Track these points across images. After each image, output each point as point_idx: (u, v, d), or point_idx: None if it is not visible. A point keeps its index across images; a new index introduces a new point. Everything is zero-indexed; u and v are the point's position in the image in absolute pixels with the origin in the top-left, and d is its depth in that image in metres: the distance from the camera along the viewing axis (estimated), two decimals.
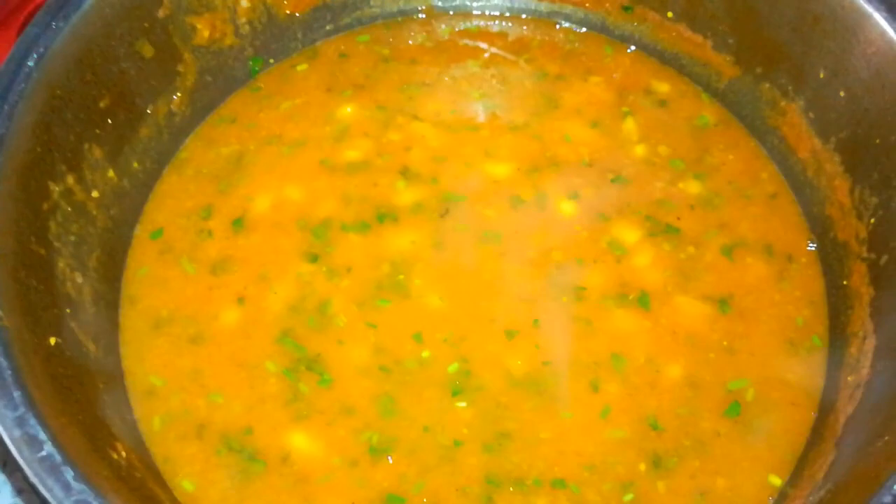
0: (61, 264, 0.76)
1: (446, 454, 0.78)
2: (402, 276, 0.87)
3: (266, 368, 0.82)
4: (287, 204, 0.92)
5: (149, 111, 0.90)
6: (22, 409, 0.59)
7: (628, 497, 0.76)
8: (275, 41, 1.01)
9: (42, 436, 0.58)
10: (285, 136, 0.97)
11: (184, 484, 0.76)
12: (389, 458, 0.77)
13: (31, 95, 0.73)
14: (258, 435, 0.79)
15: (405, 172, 0.94)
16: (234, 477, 0.77)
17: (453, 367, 0.82)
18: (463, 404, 0.80)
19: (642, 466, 0.77)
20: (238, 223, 0.90)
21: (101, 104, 0.83)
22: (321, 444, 0.78)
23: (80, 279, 0.78)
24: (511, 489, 0.76)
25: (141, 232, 0.90)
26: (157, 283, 0.87)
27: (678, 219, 0.90)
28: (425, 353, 0.82)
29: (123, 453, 0.70)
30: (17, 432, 0.58)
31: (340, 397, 0.80)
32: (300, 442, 0.78)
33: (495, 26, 1.07)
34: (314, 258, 0.88)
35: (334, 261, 0.88)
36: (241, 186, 0.93)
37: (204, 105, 0.97)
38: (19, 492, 0.85)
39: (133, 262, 0.88)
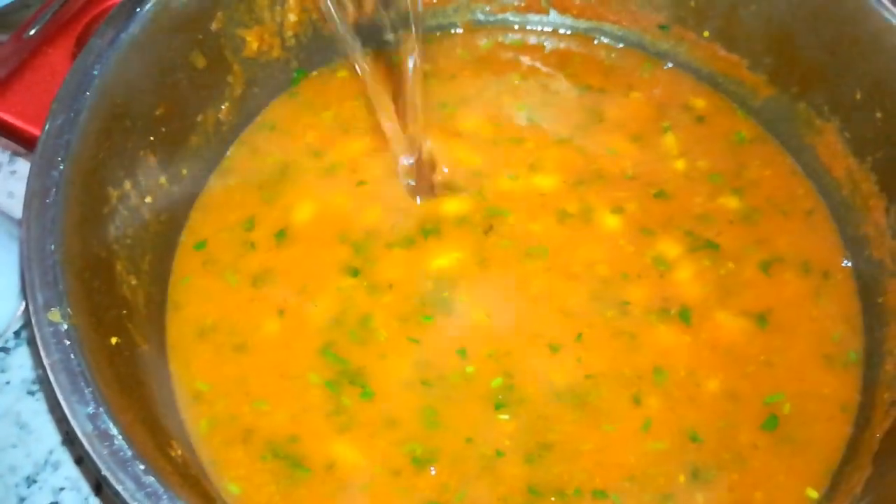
0: (119, 267, 0.78)
1: (488, 465, 0.79)
2: (446, 294, 0.88)
3: (308, 380, 0.83)
4: (329, 215, 0.93)
5: (199, 119, 0.92)
6: (93, 405, 0.61)
7: None
8: (318, 54, 1.03)
9: (113, 431, 0.60)
10: (327, 149, 0.98)
11: (230, 487, 0.78)
12: (432, 469, 0.78)
13: (94, 104, 0.75)
14: (303, 443, 0.80)
15: (449, 186, 0.95)
16: (279, 482, 0.78)
17: (497, 382, 0.83)
18: (506, 417, 0.81)
19: (682, 478, 0.79)
20: (280, 234, 0.91)
21: (157, 112, 0.85)
22: (364, 455, 0.79)
23: (134, 281, 0.80)
24: (552, 499, 0.77)
25: (186, 239, 0.91)
26: (200, 292, 0.88)
27: (718, 234, 0.92)
28: (469, 369, 0.83)
29: (179, 451, 0.72)
30: (89, 427, 0.60)
31: (383, 410, 0.81)
32: (344, 452, 0.80)
33: (535, 40, 1.08)
34: (355, 272, 0.89)
35: (376, 276, 0.89)
36: (284, 195, 0.94)
37: (249, 114, 0.99)
38: (78, 461, 0.88)
39: (178, 268, 0.89)
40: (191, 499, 0.61)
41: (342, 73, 1.04)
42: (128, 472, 0.59)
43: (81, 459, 0.88)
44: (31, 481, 0.88)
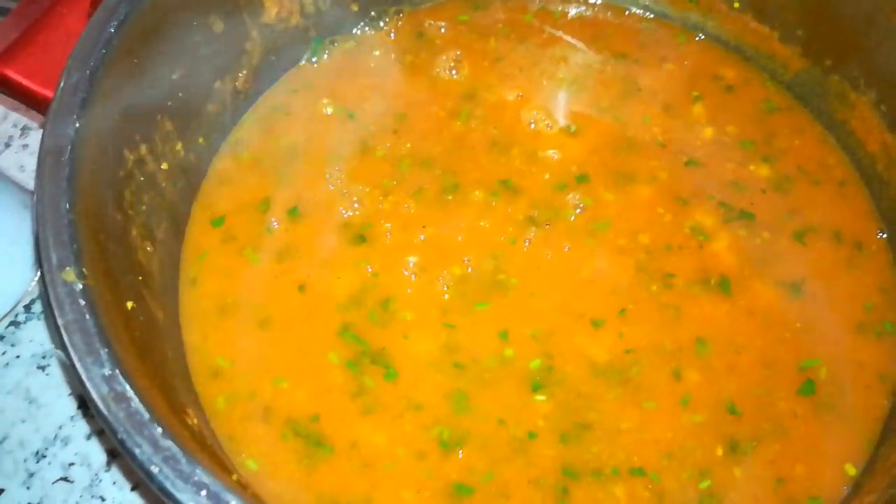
0: (134, 232, 0.75)
1: (520, 446, 0.76)
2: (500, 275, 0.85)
3: (329, 360, 0.80)
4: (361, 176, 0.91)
5: (216, 86, 0.90)
6: (109, 367, 0.58)
7: (705, 484, 0.75)
8: (337, 23, 1.01)
9: (129, 393, 0.57)
10: (345, 120, 0.95)
11: (248, 463, 0.75)
12: (460, 452, 0.76)
13: (110, 62, 0.72)
14: (325, 423, 0.77)
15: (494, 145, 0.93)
16: (300, 460, 0.76)
17: (535, 363, 0.80)
18: (542, 398, 0.79)
19: (720, 451, 0.76)
20: (293, 211, 0.89)
21: (174, 76, 0.82)
22: (389, 438, 0.77)
23: (150, 248, 0.77)
24: (588, 479, 0.75)
25: (200, 212, 0.88)
26: (220, 269, 0.86)
27: (751, 204, 0.90)
28: (508, 352, 0.81)
29: (195, 419, 0.69)
30: (105, 389, 0.57)
31: (407, 392, 0.79)
32: (367, 433, 0.77)
33: (569, 10, 1.05)
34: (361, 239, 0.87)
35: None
36: (300, 162, 0.92)
37: (266, 83, 0.97)
38: (99, 433, 0.85)
39: (193, 242, 0.87)
40: (209, 466, 0.58)
41: (361, 44, 1.01)
42: (144, 434, 0.56)
43: (91, 435, 0.86)
44: (40, 456, 0.85)
